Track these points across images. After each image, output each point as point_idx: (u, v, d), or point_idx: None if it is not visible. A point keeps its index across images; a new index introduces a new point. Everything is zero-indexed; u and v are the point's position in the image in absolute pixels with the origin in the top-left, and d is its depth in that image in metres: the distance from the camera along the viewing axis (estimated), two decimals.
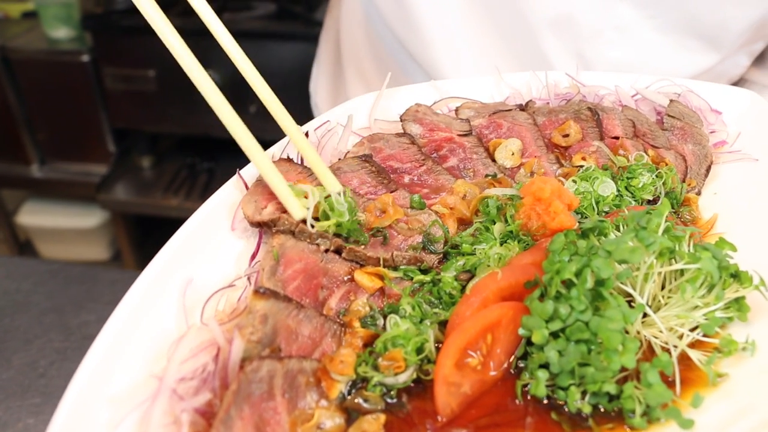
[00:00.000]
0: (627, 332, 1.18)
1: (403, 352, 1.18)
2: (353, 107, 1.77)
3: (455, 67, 2.28)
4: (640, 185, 1.60)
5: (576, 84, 1.95)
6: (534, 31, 2.14)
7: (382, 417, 1.12)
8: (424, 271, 1.39)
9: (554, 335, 1.17)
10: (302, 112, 1.33)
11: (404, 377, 1.17)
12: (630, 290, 1.22)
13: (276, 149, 1.58)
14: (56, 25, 5.04)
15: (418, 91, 1.90)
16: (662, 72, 2.01)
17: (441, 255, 1.42)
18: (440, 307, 1.32)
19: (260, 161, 1.36)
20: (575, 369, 1.14)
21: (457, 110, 1.83)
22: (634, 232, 1.23)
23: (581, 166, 1.64)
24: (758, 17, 2.02)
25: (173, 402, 1.09)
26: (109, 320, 1.17)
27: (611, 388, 1.13)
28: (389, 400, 1.17)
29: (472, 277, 1.35)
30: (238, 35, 1.36)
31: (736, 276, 1.27)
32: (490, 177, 1.62)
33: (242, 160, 1.56)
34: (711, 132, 1.85)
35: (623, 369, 1.14)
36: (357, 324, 1.27)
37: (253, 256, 1.40)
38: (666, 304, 1.26)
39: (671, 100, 1.89)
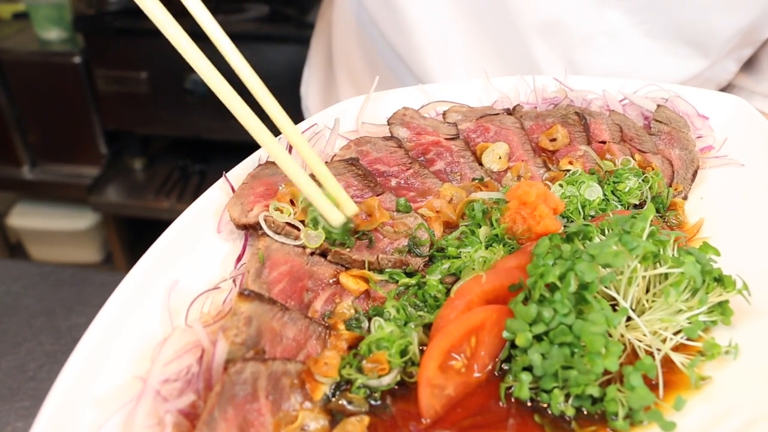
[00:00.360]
0: (610, 335, 1.18)
1: (387, 355, 1.18)
2: (341, 110, 1.78)
3: (445, 72, 2.29)
4: (626, 190, 1.60)
5: (564, 88, 1.96)
6: (523, 36, 2.14)
7: (366, 419, 1.13)
8: (410, 274, 1.40)
9: (538, 338, 1.17)
10: (294, 115, 1.33)
11: (388, 379, 1.18)
12: (614, 294, 1.23)
13: (263, 152, 1.58)
14: (47, 27, 5.03)
15: (406, 95, 1.90)
16: (651, 77, 2.02)
17: (426, 258, 1.42)
18: (425, 310, 1.32)
19: (292, 169, 1.34)
20: (558, 372, 1.15)
21: (444, 114, 1.84)
22: (618, 236, 1.23)
23: (568, 170, 1.65)
24: (746, 24, 2.03)
25: (157, 403, 1.09)
26: (94, 322, 1.17)
27: (594, 390, 1.13)
28: (373, 402, 1.17)
29: (458, 280, 1.36)
30: (230, 38, 1.36)
31: (720, 280, 1.28)
32: (476, 181, 1.62)
33: (234, 162, 1.57)
34: (698, 137, 1.86)
35: (606, 372, 1.14)
36: (342, 326, 1.27)
37: (239, 259, 1.41)
38: (650, 307, 1.27)
39: (658, 105, 1.90)
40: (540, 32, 2.13)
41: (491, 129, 1.77)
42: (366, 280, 1.36)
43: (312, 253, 1.38)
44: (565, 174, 1.63)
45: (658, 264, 1.27)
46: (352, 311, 1.31)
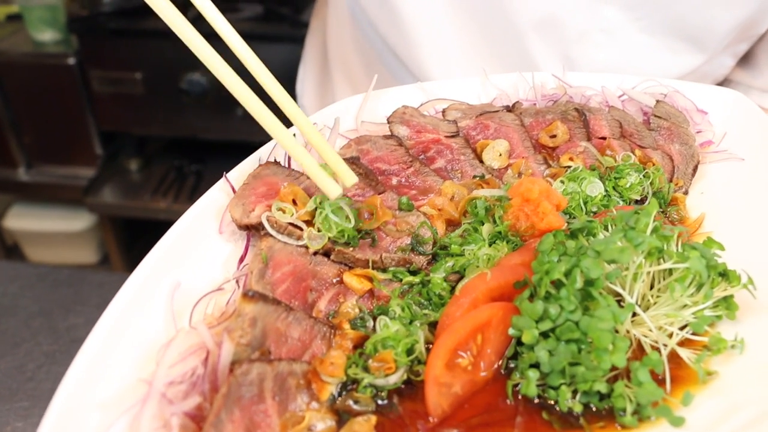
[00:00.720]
0: (617, 331, 1.18)
1: (393, 354, 1.18)
2: (340, 109, 1.77)
3: (442, 69, 2.28)
4: (627, 185, 1.60)
5: (563, 85, 1.95)
6: (520, 33, 2.14)
7: (373, 418, 1.12)
8: (413, 273, 1.39)
9: (544, 335, 1.17)
10: None
11: (395, 378, 1.17)
12: (619, 290, 1.22)
13: (263, 152, 1.58)
14: (41, 28, 5.00)
15: (405, 93, 1.90)
16: (648, 73, 2.01)
17: (430, 256, 1.42)
18: (430, 308, 1.32)
19: (287, 140, 1.34)
20: (566, 368, 1.15)
21: (444, 112, 1.83)
22: (623, 232, 1.23)
23: (569, 167, 1.65)
24: (743, 19, 2.03)
25: (163, 406, 1.09)
26: (97, 325, 1.16)
27: (602, 387, 1.13)
28: (380, 402, 1.17)
29: (462, 278, 1.36)
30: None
31: (725, 275, 1.28)
32: (477, 178, 1.62)
33: (231, 162, 1.56)
34: (697, 132, 1.86)
35: (614, 368, 1.14)
36: (347, 326, 1.27)
37: (242, 260, 1.40)
38: (655, 303, 1.26)
39: (658, 101, 1.90)
40: (536, 29, 2.13)
41: (491, 126, 1.76)
42: (370, 279, 1.36)
43: (315, 253, 1.38)
44: (566, 170, 1.63)
45: (662, 259, 1.26)
46: (357, 310, 1.31)
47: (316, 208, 1.41)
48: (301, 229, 1.38)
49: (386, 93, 1.89)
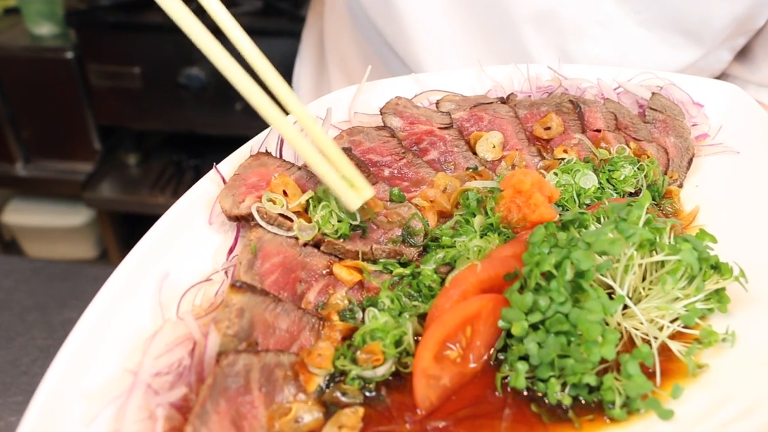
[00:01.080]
0: (607, 324, 1.17)
1: (382, 345, 1.17)
2: (333, 100, 1.76)
3: (438, 62, 2.28)
4: (621, 178, 1.59)
5: (558, 77, 1.94)
6: (516, 26, 2.13)
7: (361, 410, 1.12)
8: (404, 264, 1.38)
9: (534, 327, 1.16)
10: None
11: (383, 370, 1.17)
12: (610, 282, 1.22)
13: (254, 142, 1.57)
14: (39, 22, 4.99)
15: (398, 84, 1.89)
16: (645, 67, 2.00)
17: (421, 248, 1.41)
18: (420, 300, 1.31)
19: (306, 151, 1.33)
20: (555, 361, 1.14)
21: (437, 103, 1.83)
22: (614, 224, 1.22)
23: (563, 159, 1.64)
24: (740, 13, 2.02)
25: (148, 396, 1.08)
26: (84, 315, 1.16)
27: (591, 379, 1.12)
28: (368, 394, 1.16)
29: (452, 269, 1.35)
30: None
31: (717, 267, 1.27)
32: (471, 170, 1.61)
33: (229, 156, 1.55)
34: (693, 125, 1.85)
35: (603, 360, 1.13)
36: (336, 317, 1.26)
37: (231, 250, 1.39)
38: (647, 295, 1.26)
39: (653, 93, 1.89)
40: (533, 22, 2.12)
41: (485, 118, 1.75)
42: (360, 270, 1.35)
43: (305, 244, 1.37)
44: (560, 162, 1.62)
45: (654, 251, 1.26)
46: (346, 302, 1.30)
47: (308, 201, 1.40)
48: (291, 220, 1.37)
49: (380, 84, 1.88)
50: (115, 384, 1.11)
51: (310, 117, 1.33)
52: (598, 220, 1.35)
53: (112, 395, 1.08)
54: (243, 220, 1.39)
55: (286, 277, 1.31)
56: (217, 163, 1.51)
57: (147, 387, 1.09)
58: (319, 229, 1.36)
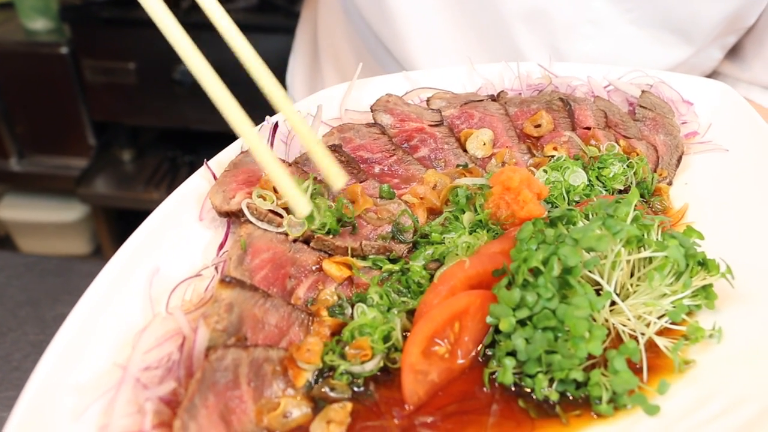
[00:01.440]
0: (594, 320, 1.18)
1: (370, 341, 1.18)
2: (324, 97, 1.76)
3: (429, 59, 2.28)
4: (611, 175, 1.60)
5: (548, 75, 1.95)
6: (508, 24, 2.13)
7: (349, 405, 1.12)
8: (393, 261, 1.39)
9: (521, 323, 1.17)
10: None
11: (371, 365, 1.17)
12: (597, 278, 1.22)
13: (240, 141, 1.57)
14: (34, 17, 4.98)
15: (389, 82, 1.89)
16: (636, 65, 2.01)
17: (410, 244, 1.42)
18: (408, 296, 1.31)
19: (261, 153, 1.31)
20: (542, 356, 1.14)
21: (428, 100, 1.83)
22: (602, 220, 1.23)
23: (553, 156, 1.64)
24: (730, 11, 2.03)
25: (137, 391, 1.09)
26: (75, 309, 1.17)
27: (578, 375, 1.13)
28: (356, 389, 1.17)
29: (441, 266, 1.35)
30: None
31: (704, 264, 1.28)
32: (461, 167, 1.62)
33: None
34: (682, 123, 1.86)
35: (590, 356, 1.14)
36: (325, 313, 1.27)
37: (221, 246, 1.40)
38: (634, 292, 1.26)
39: (643, 91, 1.90)
40: (524, 20, 2.12)
41: (475, 115, 1.76)
42: (349, 266, 1.36)
43: (295, 240, 1.37)
44: (550, 160, 1.63)
45: (642, 248, 1.26)
46: (335, 298, 1.30)
47: None
48: (281, 216, 1.38)
49: (371, 81, 1.88)
50: (105, 378, 1.11)
51: (294, 111, 1.33)
52: (587, 217, 1.35)
53: (102, 389, 1.09)
54: (233, 216, 1.40)
55: (275, 272, 1.32)
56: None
57: (136, 381, 1.09)
58: (309, 225, 1.37)
